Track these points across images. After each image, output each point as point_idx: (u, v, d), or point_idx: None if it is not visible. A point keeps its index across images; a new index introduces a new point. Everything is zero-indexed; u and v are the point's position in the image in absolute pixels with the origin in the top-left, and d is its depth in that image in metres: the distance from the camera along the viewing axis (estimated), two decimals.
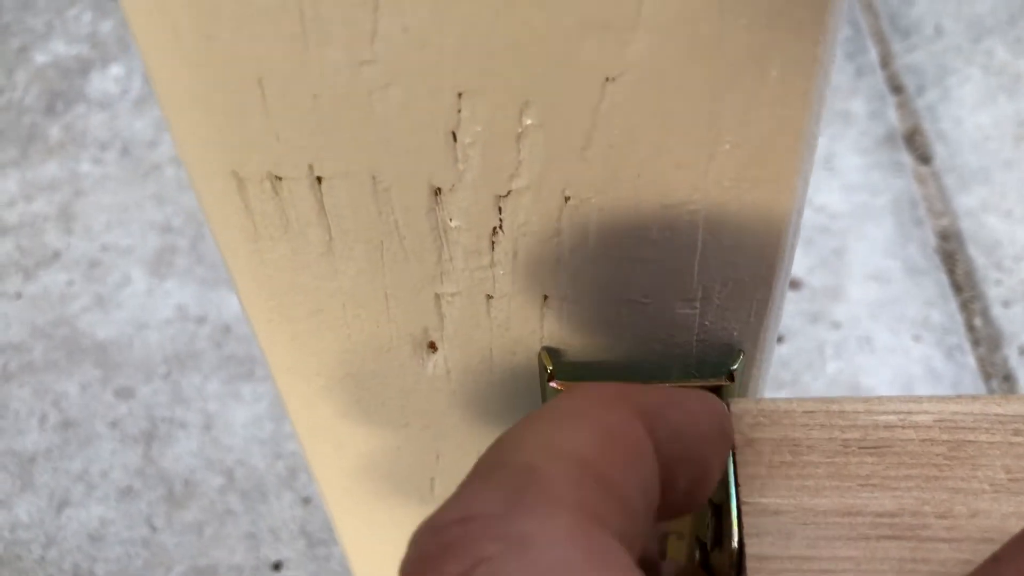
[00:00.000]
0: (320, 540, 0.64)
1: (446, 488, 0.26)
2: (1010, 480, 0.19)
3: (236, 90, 0.17)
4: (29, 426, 0.71)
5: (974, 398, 0.21)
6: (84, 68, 0.94)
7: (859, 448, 0.20)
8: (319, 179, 0.19)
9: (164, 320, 0.76)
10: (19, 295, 0.79)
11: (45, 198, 0.85)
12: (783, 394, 0.71)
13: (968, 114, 0.88)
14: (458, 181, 0.18)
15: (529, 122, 0.17)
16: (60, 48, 0.95)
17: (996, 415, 0.20)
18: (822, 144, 0.88)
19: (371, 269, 0.20)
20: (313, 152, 0.18)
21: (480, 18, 0.16)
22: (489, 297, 0.21)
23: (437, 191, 0.19)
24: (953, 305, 0.76)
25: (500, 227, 0.19)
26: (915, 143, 0.88)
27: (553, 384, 0.22)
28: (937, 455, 0.20)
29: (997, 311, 0.75)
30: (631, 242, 0.19)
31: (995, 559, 0.17)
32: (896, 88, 0.92)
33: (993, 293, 0.76)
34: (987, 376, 0.72)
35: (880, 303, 0.76)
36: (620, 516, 0.16)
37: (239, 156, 0.18)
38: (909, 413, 0.21)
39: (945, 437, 0.20)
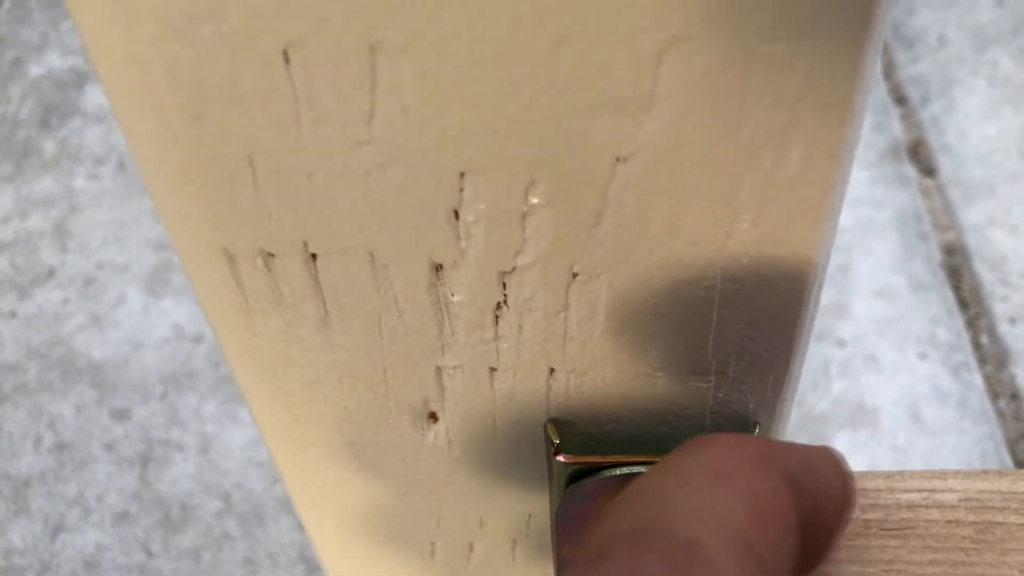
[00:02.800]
0: (319, 566, 0.63)
1: (448, 552, 0.26)
2: None
3: (225, 169, 0.16)
4: (24, 449, 0.71)
5: (1001, 474, 0.20)
6: (79, 81, 0.93)
7: (881, 530, 0.19)
8: (314, 256, 0.18)
9: (160, 339, 0.76)
10: (13, 314, 0.78)
11: (40, 214, 0.84)
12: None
13: (973, 126, 0.87)
14: (460, 258, 0.17)
15: (535, 201, 0.16)
16: (55, 61, 0.94)
17: None
18: None
19: (369, 343, 0.19)
20: (307, 230, 0.17)
21: (484, 98, 0.15)
22: (492, 370, 0.20)
23: (438, 267, 0.18)
24: (959, 322, 0.75)
25: (504, 302, 0.18)
26: (919, 155, 0.87)
27: (560, 458, 0.21)
28: (964, 538, 0.19)
29: (1004, 328, 0.74)
30: (642, 318, 0.18)
31: None
32: (899, 99, 0.91)
33: (1000, 310, 0.75)
34: (994, 395, 0.71)
35: (886, 320, 0.76)
36: None
37: (229, 234, 0.17)
38: (933, 491, 0.20)
39: (972, 518, 0.19)
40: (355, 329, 0.19)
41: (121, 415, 0.72)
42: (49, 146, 0.89)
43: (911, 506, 0.19)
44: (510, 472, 0.23)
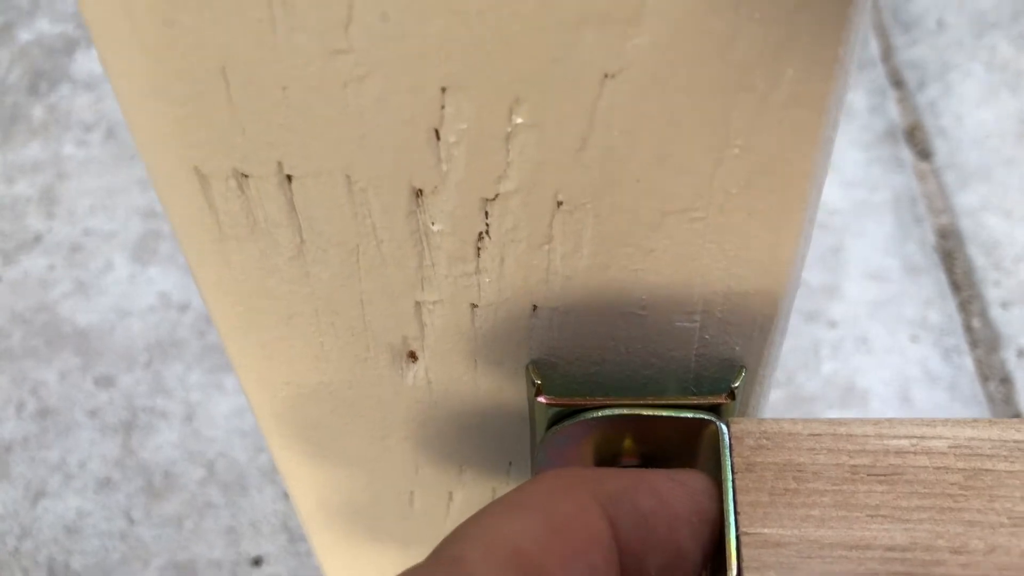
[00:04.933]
0: (302, 535, 0.63)
1: (427, 501, 0.25)
2: None
3: (198, 80, 0.16)
4: (6, 414, 0.70)
5: (991, 423, 0.19)
6: (69, 47, 0.92)
7: (868, 475, 0.19)
8: (289, 177, 0.17)
9: (146, 308, 0.75)
10: None
11: (27, 180, 0.83)
12: (777, 395, 0.69)
13: (970, 110, 0.87)
14: (441, 183, 0.17)
15: (519, 121, 0.16)
16: (45, 26, 0.93)
17: (1016, 442, 0.19)
18: None
19: (346, 274, 0.19)
20: (282, 148, 0.17)
21: (467, 7, 0.14)
22: (474, 306, 0.19)
23: (418, 193, 0.17)
24: (952, 305, 0.75)
25: (487, 232, 0.18)
26: (915, 139, 0.87)
27: (541, 399, 0.20)
28: (952, 484, 0.19)
29: (996, 312, 0.74)
30: (628, 252, 0.18)
31: None
32: (897, 83, 0.90)
33: (992, 294, 0.75)
34: (984, 378, 0.71)
35: (878, 302, 0.75)
36: None
37: (202, 152, 0.17)
38: (922, 438, 0.19)
39: (961, 465, 0.19)
40: (332, 259, 0.19)
41: (105, 382, 0.72)
42: (38, 112, 0.88)
43: (899, 452, 0.19)
44: (490, 416, 0.22)
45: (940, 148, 0.85)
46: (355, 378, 0.21)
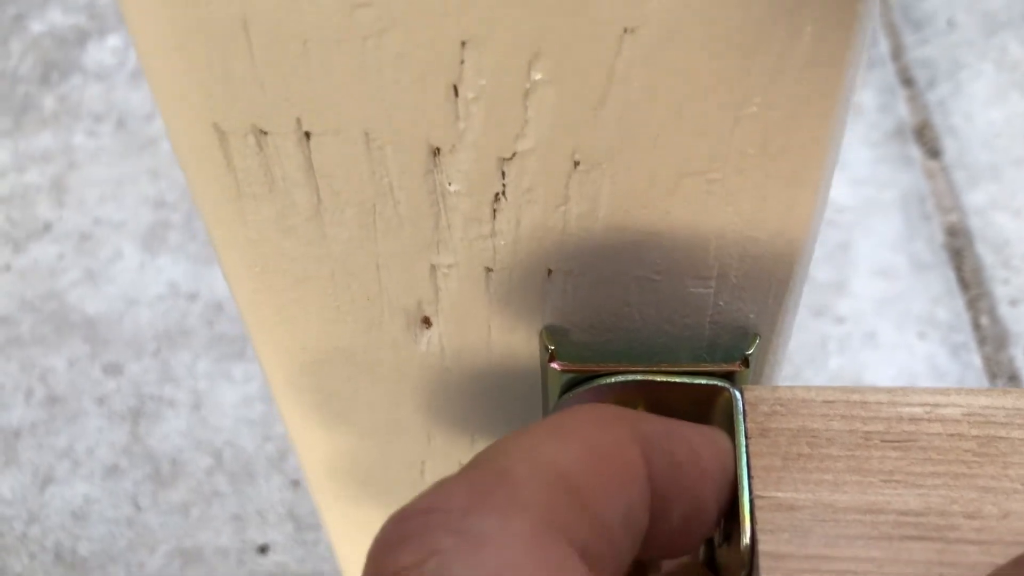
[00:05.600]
0: (308, 524, 0.63)
1: (437, 472, 0.25)
2: None
3: (218, 33, 0.16)
4: (15, 401, 0.70)
5: (1005, 392, 0.19)
6: (81, 38, 0.92)
7: (882, 441, 0.19)
8: (307, 135, 0.17)
9: (155, 296, 0.75)
10: (8, 267, 0.78)
11: (38, 169, 0.84)
12: None
13: (979, 110, 0.87)
14: (459, 141, 0.17)
15: (539, 76, 0.16)
16: (57, 17, 0.94)
17: None
18: None
19: (362, 235, 0.19)
20: (301, 105, 0.17)
21: None
22: (488, 270, 0.19)
23: (436, 151, 0.17)
24: (960, 303, 0.75)
25: (503, 193, 0.18)
26: (925, 137, 0.86)
27: (554, 365, 0.20)
28: (966, 451, 0.19)
29: (1004, 310, 0.74)
30: (644, 214, 0.18)
31: (1018, 564, 0.16)
32: (907, 81, 0.90)
33: (1000, 292, 0.75)
34: (992, 376, 0.71)
35: (885, 299, 0.75)
36: (590, 533, 0.15)
37: (221, 107, 0.17)
38: (936, 406, 0.19)
39: (975, 432, 0.19)
40: (349, 220, 0.19)
41: (114, 370, 0.72)
42: (49, 102, 0.89)
43: (913, 419, 0.19)
44: (503, 384, 0.22)
45: (949, 147, 0.84)
46: (369, 343, 0.21)
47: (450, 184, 0.18)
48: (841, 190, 0.82)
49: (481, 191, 0.18)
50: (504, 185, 0.18)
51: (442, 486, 0.16)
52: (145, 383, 0.71)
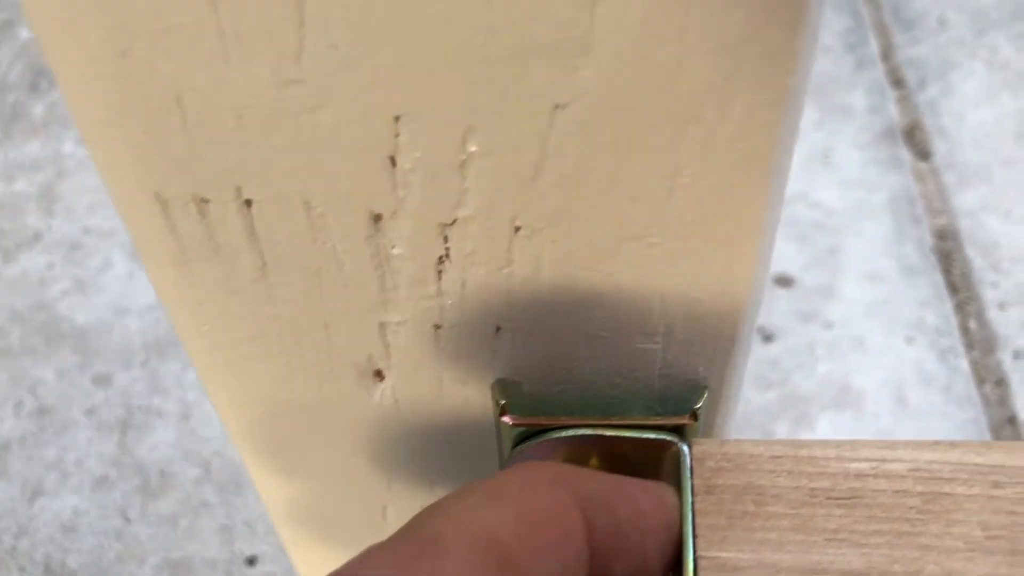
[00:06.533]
0: None
1: (399, 514, 0.25)
2: (986, 538, 0.18)
3: (154, 109, 0.16)
4: (4, 412, 0.70)
5: (952, 445, 0.19)
6: None
7: (827, 499, 0.19)
8: (248, 202, 0.17)
9: (144, 306, 0.75)
10: None
11: (27, 178, 0.84)
12: (771, 395, 0.69)
13: (970, 110, 0.86)
14: (399, 208, 0.17)
15: (473, 149, 0.16)
16: None
17: (975, 465, 0.19)
18: (819, 138, 0.86)
19: (309, 296, 0.19)
20: (240, 174, 0.17)
21: (415, 37, 0.14)
22: (437, 327, 0.19)
23: (377, 218, 0.17)
24: (948, 306, 0.75)
25: (447, 256, 0.18)
26: (915, 139, 0.86)
27: (505, 419, 0.20)
28: (910, 508, 0.19)
29: (993, 314, 0.74)
30: (587, 275, 0.18)
31: None
32: (897, 82, 0.90)
33: (989, 295, 0.75)
34: (980, 380, 0.71)
35: (874, 303, 0.75)
36: None
37: (161, 178, 0.17)
38: (883, 461, 0.19)
39: (920, 488, 0.19)
40: (294, 282, 0.19)
41: (103, 381, 0.72)
42: (38, 110, 0.89)
43: (859, 475, 0.19)
44: (459, 434, 0.22)
45: (939, 148, 0.84)
46: (323, 397, 0.21)
47: (393, 248, 0.18)
48: (831, 193, 0.82)
49: (424, 254, 0.18)
50: (447, 248, 0.18)
51: (369, 556, 0.15)
52: (134, 393, 0.71)
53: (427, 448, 0.23)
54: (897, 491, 0.19)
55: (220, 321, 0.20)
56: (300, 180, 0.17)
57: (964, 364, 0.71)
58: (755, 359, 0.77)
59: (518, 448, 0.21)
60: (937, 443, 0.19)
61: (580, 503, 0.17)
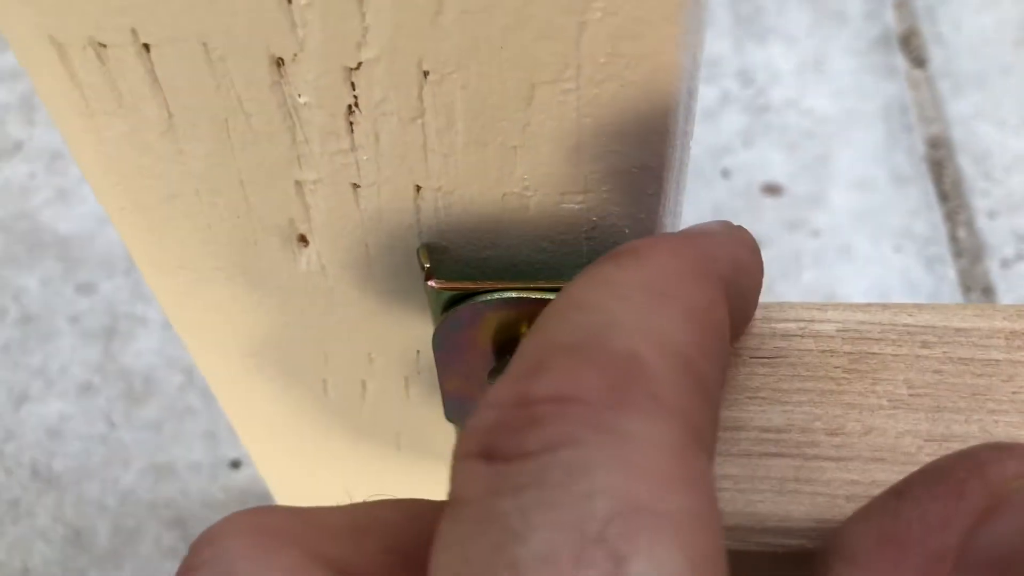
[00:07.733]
0: None
1: (340, 390, 0.25)
2: (911, 395, 0.18)
3: None
4: None
5: (884, 307, 0.19)
6: None
7: (751, 358, 0.18)
8: (146, 46, 0.17)
9: None
10: None
11: (6, 87, 0.83)
12: None
13: (969, 16, 0.84)
14: (300, 50, 0.16)
15: None
16: None
17: (904, 325, 0.19)
18: (812, 45, 0.84)
19: (220, 151, 0.18)
20: (134, 14, 0.16)
21: None
22: (355, 186, 0.19)
23: (279, 62, 0.17)
24: (938, 215, 0.74)
25: (356, 105, 0.17)
26: (911, 45, 0.84)
27: (431, 283, 0.20)
28: (836, 367, 0.18)
29: (982, 222, 0.73)
30: (502, 125, 0.17)
31: (897, 494, 0.15)
32: None
33: (980, 204, 0.74)
34: (966, 288, 0.70)
35: (863, 211, 0.74)
36: (712, 425, 0.14)
37: (54, 18, 0.16)
38: (811, 322, 0.19)
39: (847, 348, 0.18)
40: (203, 135, 0.18)
41: (86, 289, 0.72)
42: None
43: (786, 335, 0.19)
44: (391, 302, 0.22)
45: (936, 55, 0.82)
46: (248, 263, 0.21)
47: (300, 96, 0.17)
48: (822, 101, 0.80)
49: (332, 103, 0.17)
50: (356, 97, 0.17)
51: (568, 371, 0.13)
52: (118, 301, 0.71)
53: (360, 318, 0.22)
54: (824, 351, 0.18)
55: (133, 180, 0.19)
56: (196, 19, 0.16)
57: (951, 272, 0.71)
58: None
59: (446, 313, 0.20)
60: (869, 305, 0.19)
61: (723, 291, 0.16)
